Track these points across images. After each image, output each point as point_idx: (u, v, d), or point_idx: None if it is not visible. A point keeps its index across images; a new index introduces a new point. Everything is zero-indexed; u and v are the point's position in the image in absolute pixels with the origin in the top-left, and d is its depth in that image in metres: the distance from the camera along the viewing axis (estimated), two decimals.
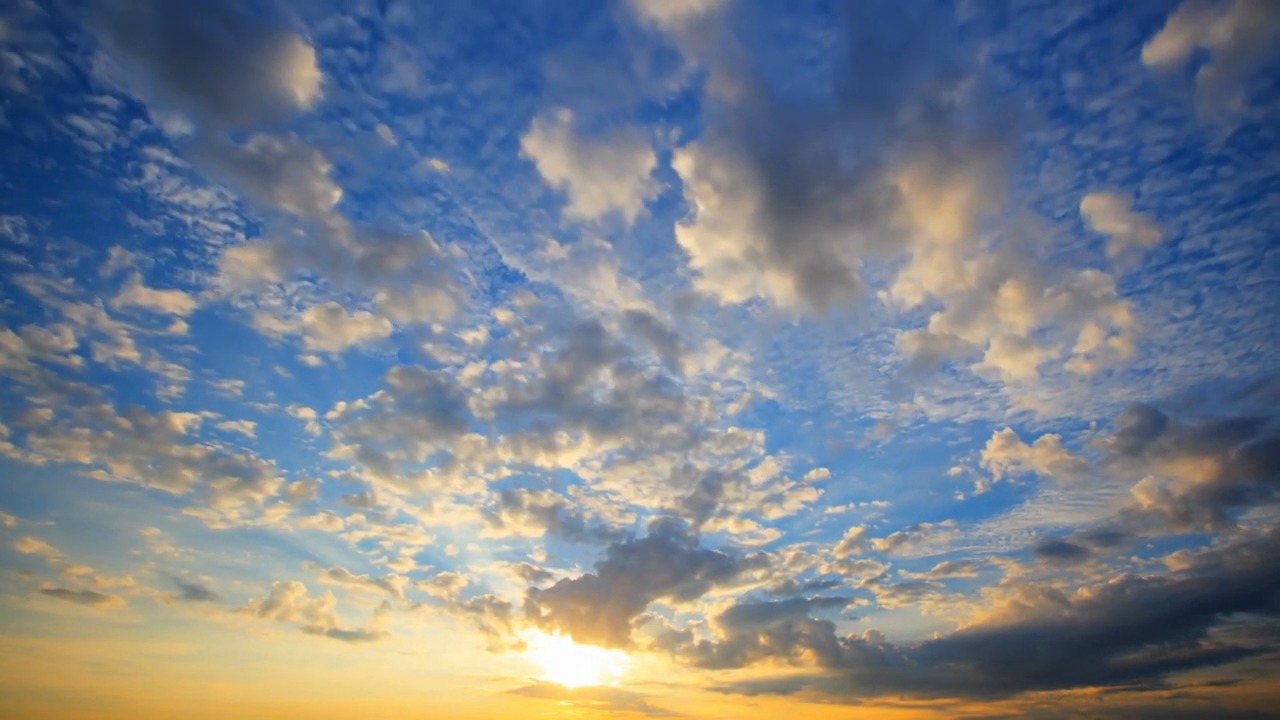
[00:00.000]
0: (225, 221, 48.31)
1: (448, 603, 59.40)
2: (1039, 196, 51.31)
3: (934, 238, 51.86)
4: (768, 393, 60.74)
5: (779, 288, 55.11)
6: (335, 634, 55.40)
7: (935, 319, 55.82)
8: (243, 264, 49.37)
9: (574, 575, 59.36)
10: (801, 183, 49.85)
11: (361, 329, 53.61)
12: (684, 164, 52.15)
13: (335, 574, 56.01)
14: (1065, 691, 57.21)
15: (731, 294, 56.29)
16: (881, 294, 56.83)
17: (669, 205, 54.66)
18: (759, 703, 60.85)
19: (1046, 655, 56.93)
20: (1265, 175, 43.57)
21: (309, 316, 52.74)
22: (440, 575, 59.22)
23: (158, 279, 48.78)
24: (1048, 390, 56.77)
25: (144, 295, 48.11)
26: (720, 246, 53.78)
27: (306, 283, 52.41)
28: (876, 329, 57.61)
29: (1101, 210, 48.98)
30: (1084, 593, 57.73)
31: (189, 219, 47.54)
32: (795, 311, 56.76)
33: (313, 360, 53.32)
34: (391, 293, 53.67)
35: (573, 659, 59.88)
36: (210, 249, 48.70)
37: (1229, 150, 43.84)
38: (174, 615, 52.07)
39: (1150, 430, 53.88)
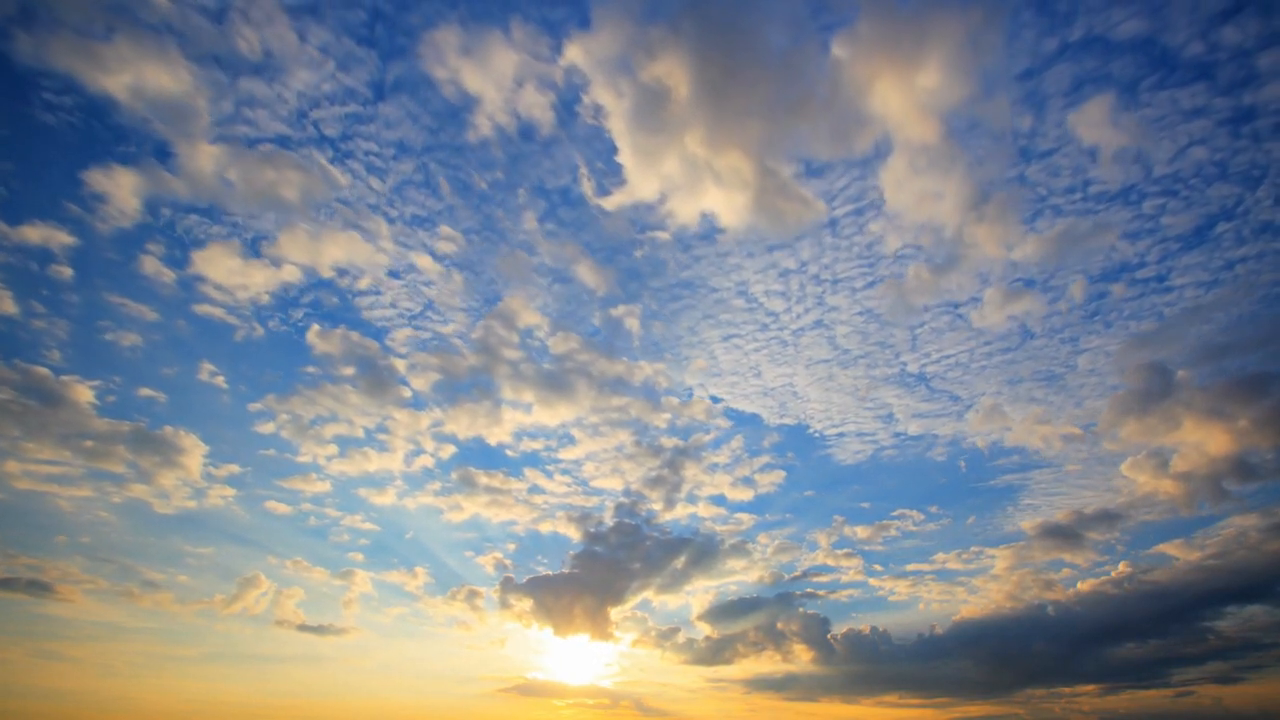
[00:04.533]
0: (81, 138, 43.01)
1: (419, 597, 58.13)
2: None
3: (905, 140, 47.59)
4: (726, 362, 58.54)
5: (728, 213, 51.10)
6: (304, 628, 53.79)
7: (913, 269, 53.59)
8: (111, 191, 44.06)
9: (548, 566, 58.38)
10: (730, 69, 44.76)
11: (266, 275, 49.24)
12: (588, 56, 46.82)
13: (296, 565, 54.38)
14: (1066, 689, 55.22)
15: (676, 225, 52.81)
16: (856, 238, 53.77)
17: (581, 108, 50.09)
18: (754, 700, 59.79)
19: (1046, 651, 54.89)
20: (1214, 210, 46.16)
21: (200, 259, 48.04)
22: (409, 570, 57.74)
23: (17, 212, 43.37)
24: (1034, 353, 54.85)
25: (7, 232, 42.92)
26: (652, 166, 49.64)
27: (192, 218, 47.36)
28: (848, 275, 54.99)
29: (1093, 122, 45.89)
30: (1084, 586, 55.76)
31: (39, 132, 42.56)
32: (749, 242, 53.11)
33: (216, 313, 49.05)
34: (292, 231, 48.71)
35: (563, 657, 58.84)
36: (66, 171, 44.06)
37: (1175, 185, 46.21)
38: (130, 607, 49.94)
39: (1153, 393, 50.88)
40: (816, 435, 59.63)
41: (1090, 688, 54.69)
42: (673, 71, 45.34)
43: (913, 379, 56.90)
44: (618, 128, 48.79)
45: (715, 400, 58.88)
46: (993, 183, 48.71)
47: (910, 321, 55.20)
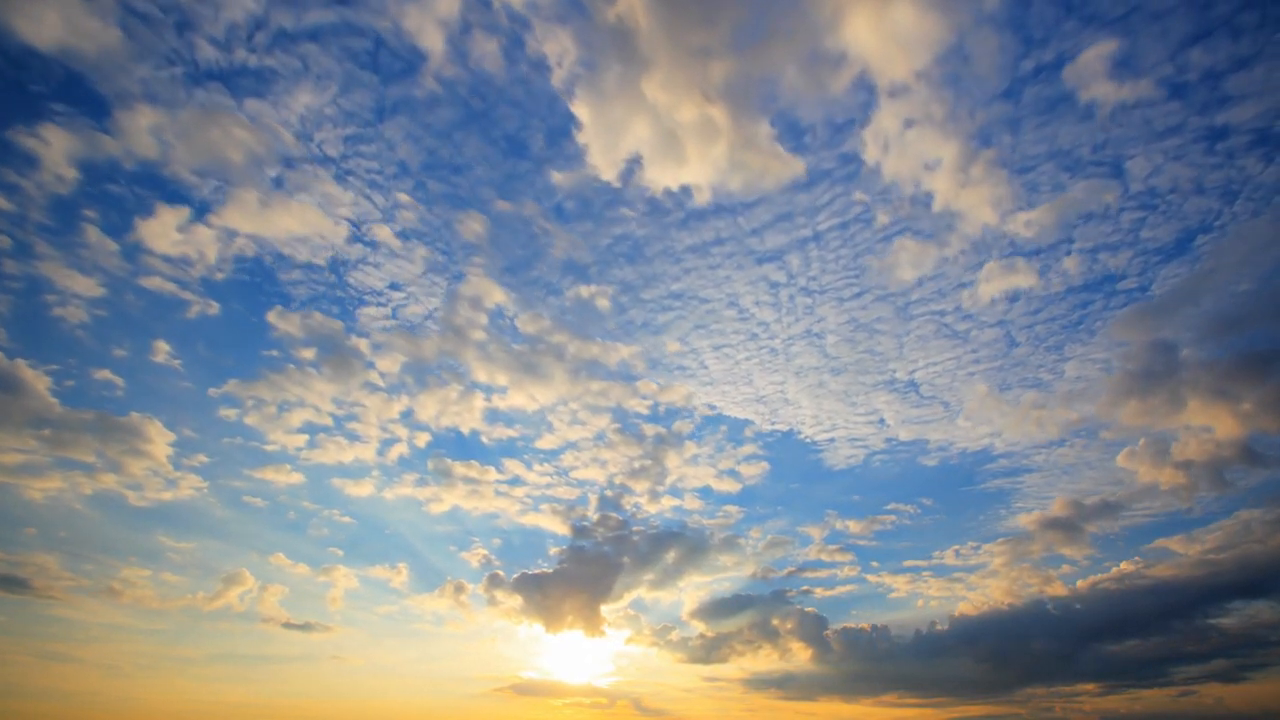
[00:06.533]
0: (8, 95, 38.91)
1: (405, 593, 56.29)
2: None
3: (887, 85, 45.45)
4: (718, 370, 57.68)
5: (701, 174, 49.16)
6: (290, 626, 51.84)
7: (899, 243, 52.03)
8: (43, 153, 40.73)
9: (535, 561, 57.00)
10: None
11: (217, 248, 46.10)
12: None
13: (278, 560, 52.32)
14: (1066, 688, 53.80)
15: (647, 196, 51.20)
16: (843, 250, 52.48)
17: (532, 62, 47.60)
18: (752, 700, 58.45)
19: (1046, 649, 53.59)
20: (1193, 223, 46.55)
21: (144, 227, 44.75)
22: (393, 565, 55.92)
23: None
24: (1021, 360, 54.18)
25: None
26: (613, 124, 47.19)
27: (132, 182, 43.95)
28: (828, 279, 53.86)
29: (1091, 66, 44.36)
30: (1084, 583, 54.62)
31: None
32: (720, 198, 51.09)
33: (168, 288, 46.04)
34: (241, 199, 45.19)
35: (557, 655, 57.52)
36: None
37: (1156, 201, 46.66)
38: (111, 604, 47.67)
39: (1154, 372, 49.16)
40: (808, 440, 59.89)
41: (1091, 686, 53.58)
42: (631, 8, 42.71)
43: (903, 385, 57.33)
44: (572, 79, 46.63)
45: (711, 408, 58.61)
46: (983, 135, 47.33)
47: (899, 330, 55.51)
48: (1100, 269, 50.12)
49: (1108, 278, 50.29)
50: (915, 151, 47.51)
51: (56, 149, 41.21)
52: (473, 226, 51.68)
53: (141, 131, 41.96)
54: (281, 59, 43.12)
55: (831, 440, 59.14)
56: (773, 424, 58.92)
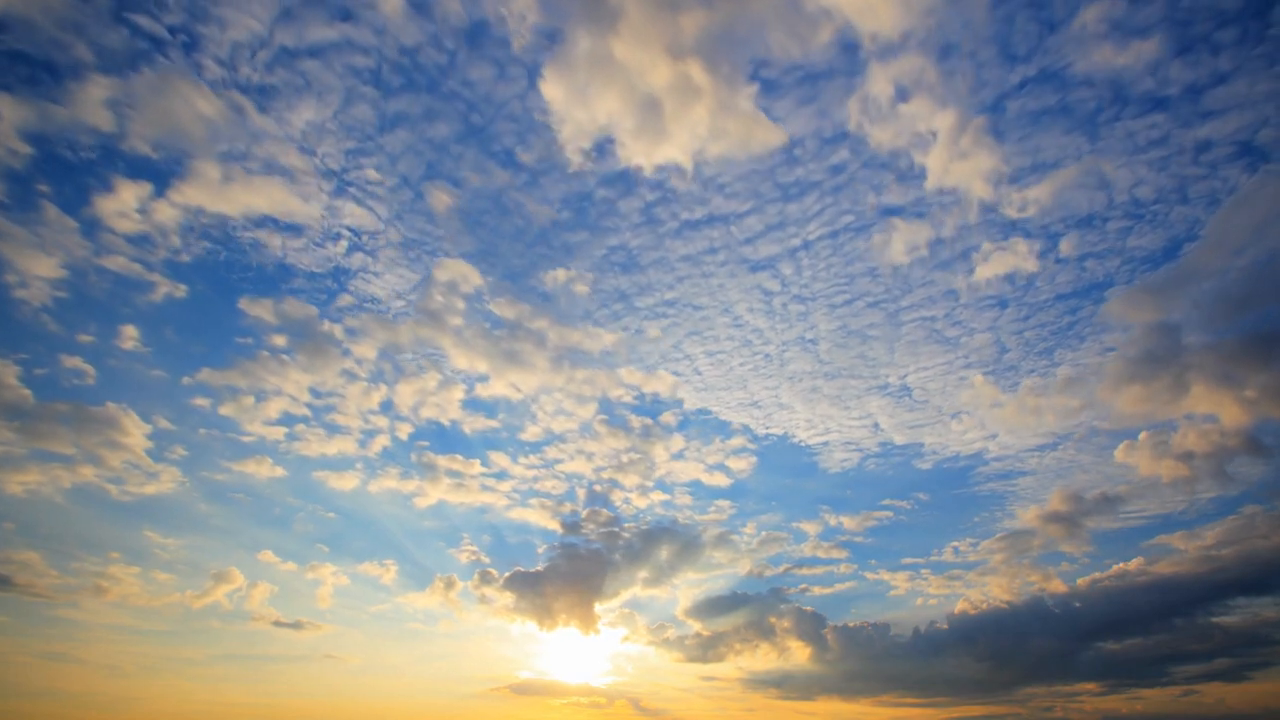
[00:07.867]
0: None
1: (396, 591, 55.19)
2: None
3: (877, 45, 43.34)
4: (712, 376, 56.96)
5: (679, 143, 47.29)
6: (280, 625, 50.60)
7: (886, 223, 50.83)
8: None
9: (526, 557, 55.90)
10: None
11: (182, 227, 44.05)
12: None
13: (265, 558, 51.05)
14: (1066, 688, 52.74)
15: (626, 171, 49.56)
16: (833, 259, 51.81)
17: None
18: (751, 699, 57.75)
19: (1046, 647, 52.70)
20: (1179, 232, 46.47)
21: (103, 205, 42.43)
22: (381, 562, 54.85)
23: None
24: (1013, 364, 53.55)
25: None
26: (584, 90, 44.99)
27: (89, 156, 41.42)
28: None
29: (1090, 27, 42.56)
30: (1084, 580, 53.73)
31: None
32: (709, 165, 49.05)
33: (134, 269, 43.91)
34: (205, 174, 42.62)
35: (554, 655, 56.89)
36: None
37: (1142, 211, 46.90)
38: (98, 602, 46.33)
39: (1156, 358, 47.91)
40: (802, 444, 59.42)
41: (1091, 685, 52.77)
42: None
43: (896, 390, 57.11)
44: (537, 45, 44.36)
45: (705, 413, 57.98)
46: (978, 102, 45.92)
47: (891, 335, 55.08)
48: (1089, 277, 50.42)
49: (1095, 285, 50.62)
50: (907, 124, 46.16)
51: (6, 117, 38.53)
52: (443, 199, 49.46)
53: (96, 103, 39.40)
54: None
55: (826, 444, 59.14)
56: (767, 428, 58.86)
